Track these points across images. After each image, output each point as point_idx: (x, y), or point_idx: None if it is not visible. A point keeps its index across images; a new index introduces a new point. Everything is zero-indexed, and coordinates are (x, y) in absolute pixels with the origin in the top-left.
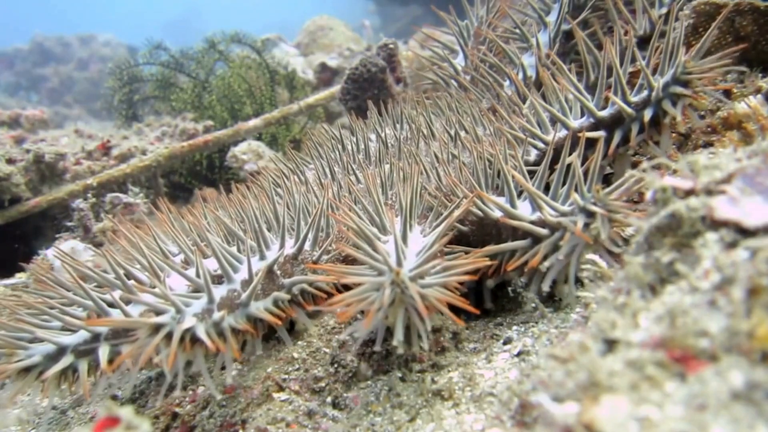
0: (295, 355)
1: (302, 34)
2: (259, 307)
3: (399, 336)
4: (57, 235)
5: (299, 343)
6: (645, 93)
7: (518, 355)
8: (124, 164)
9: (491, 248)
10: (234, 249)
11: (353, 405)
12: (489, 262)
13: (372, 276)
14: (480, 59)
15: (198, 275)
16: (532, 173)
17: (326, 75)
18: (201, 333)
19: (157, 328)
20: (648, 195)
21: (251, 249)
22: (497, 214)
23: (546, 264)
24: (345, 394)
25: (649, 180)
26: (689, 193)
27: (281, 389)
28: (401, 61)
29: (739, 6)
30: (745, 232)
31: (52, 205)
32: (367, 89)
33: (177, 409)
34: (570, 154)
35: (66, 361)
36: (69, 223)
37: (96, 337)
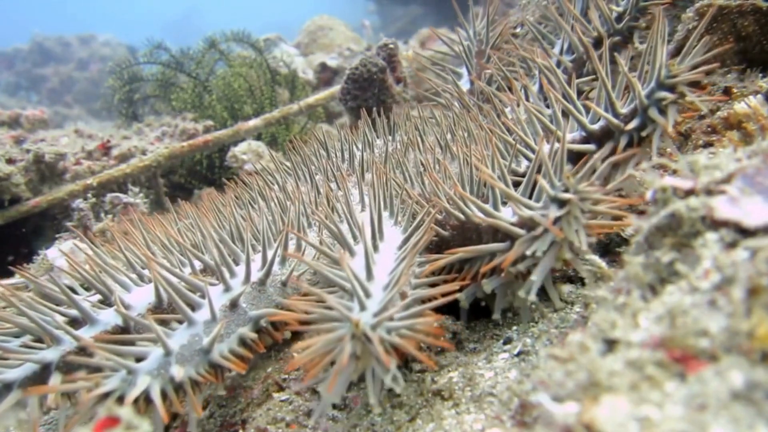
0: (295, 354)
1: (302, 34)
2: (223, 351)
3: (372, 399)
4: (57, 235)
5: (299, 343)
6: (634, 103)
7: (518, 355)
8: (124, 164)
9: (469, 249)
10: (199, 275)
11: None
12: (460, 285)
13: (333, 321)
14: (486, 83)
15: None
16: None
17: (326, 75)
18: (155, 395)
19: (106, 394)
20: (648, 195)
21: (217, 271)
22: (478, 215)
23: (518, 268)
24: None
25: (650, 180)
26: (689, 193)
27: (281, 389)
28: (401, 61)
29: (741, 7)
30: (745, 232)
31: (52, 205)
32: (367, 89)
33: (177, 409)
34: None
35: (13, 397)
36: (69, 223)
37: (46, 368)
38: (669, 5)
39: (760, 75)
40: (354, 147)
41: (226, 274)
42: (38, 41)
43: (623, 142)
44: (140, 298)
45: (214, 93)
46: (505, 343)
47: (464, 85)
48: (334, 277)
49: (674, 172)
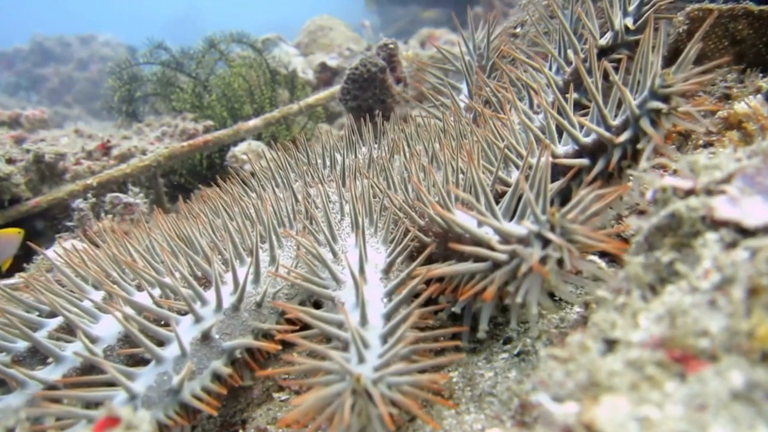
0: (295, 354)
1: (302, 34)
2: (195, 389)
3: None
4: (57, 235)
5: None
6: (626, 114)
7: (518, 355)
8: (124, 164)
9: (448, 270)
10: (167, 304)
11: None
12: (440, 294)
13: (331, 376)
14: (483, 102)
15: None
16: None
17: (326, 75)
18: None
19: None
20: (648, 195)
21: (185, 302)
22: (459, 231)
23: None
24: None
25: (650, 180)
26: (689, 193)
27: (281, 389)
28: (401, 61)
29: (732, 11)
30: (745, 232)
31: (52, 205)
32: (367, 89)
33: None
34: (552, 181)
35: None
36: (69, 223)
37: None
38: (670, 6)
39: (760, 75)
40: (336, 153)
41: (196, 304)
42: (38, 41)
43: (616, 155)
44: (109, 327)
45: (214, 93)
46: (505, 343)
47: (464, 100)
48: (328, 328)
49: (674, 172)
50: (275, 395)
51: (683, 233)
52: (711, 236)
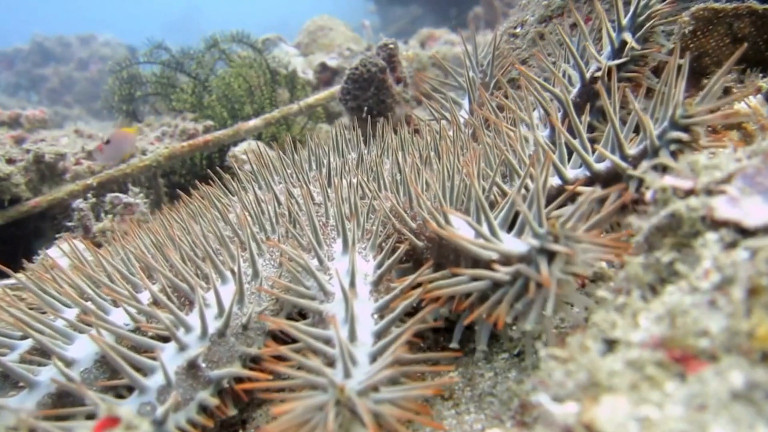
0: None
1: (302, 34)
2: (180, 422)
3: None
4: (57, 235)
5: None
6: (644, 144)
7: (518, 355)
8: (124, 164)
9: (446, 291)
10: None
11: None
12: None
13: (313, 393)
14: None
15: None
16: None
17: (326, 75)
18: None
19: None
20: (648, 195)
21: (174, 322)
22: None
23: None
24: None
25: (649, 180)
26: (689, 193)
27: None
28: (401, 61)
29: (737, 9)
30: (745, 232)
31: (52, 205)
32: (367, 89)
33: None
34: (562, 205)
35: None
36: (69, 223)
37: None
38: (675, 3)
39: (760, 75)
40: (323, 155)
41: (179, 331)
42: (38, 41)
43: (633, 186)
44: (85, 348)
45: (214, 93)
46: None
47: (464, 115)
48: (315, 343)
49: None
50: (275, 395)
51: (683, 233)
52: (711, 236)
